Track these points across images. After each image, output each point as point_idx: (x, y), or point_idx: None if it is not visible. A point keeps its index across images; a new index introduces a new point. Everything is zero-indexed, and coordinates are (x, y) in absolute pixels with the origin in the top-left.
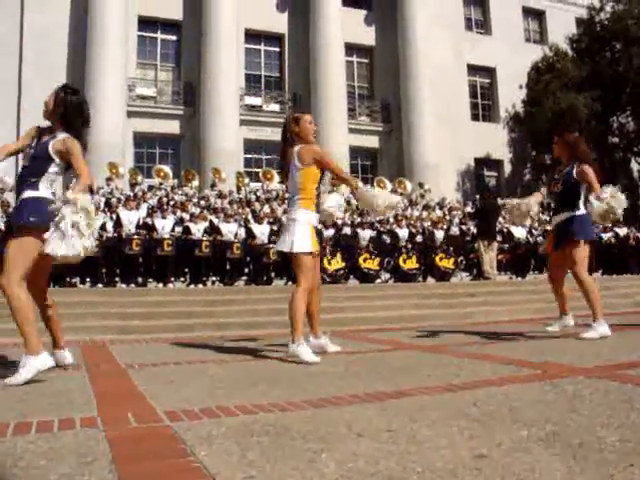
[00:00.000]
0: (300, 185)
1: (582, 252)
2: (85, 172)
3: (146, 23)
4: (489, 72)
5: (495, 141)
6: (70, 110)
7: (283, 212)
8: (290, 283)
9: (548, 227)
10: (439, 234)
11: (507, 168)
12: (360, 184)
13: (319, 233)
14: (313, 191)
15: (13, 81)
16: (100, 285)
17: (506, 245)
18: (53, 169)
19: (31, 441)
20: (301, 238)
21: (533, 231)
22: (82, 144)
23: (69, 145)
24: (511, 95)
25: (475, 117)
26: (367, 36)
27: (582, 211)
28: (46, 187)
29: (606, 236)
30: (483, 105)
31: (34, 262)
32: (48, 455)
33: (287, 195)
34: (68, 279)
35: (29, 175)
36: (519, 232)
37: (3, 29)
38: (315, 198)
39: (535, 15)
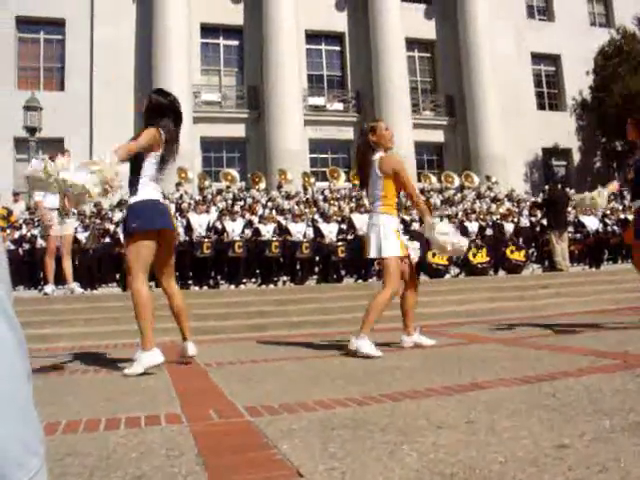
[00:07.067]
0: (382, 193)
1: None
2: (133, 143)
3: (208, 30)
4: (554, 60)
5: (563, 130)
6: (154, 108)
7: (350, 210)
8: (360, 280)
9: (622, 215)
10: (509, 227)
11: (576, 157)
12: (429, 219)
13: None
14: (394, 198)
15: (85, 94)
16: None
17: (578, 235)
18: (148, 163)
19: (122, 435)
20: (388, 242)
21: (607, 220)
22: (167, 133)
23: (146, 131)
24: (578, 82)
25: (541, 106)
26: (428, 30)
27: None
28: (146, 188)
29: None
30: (549, 94)
31: (154, 258)
32: (139, 449)
33: (362, 197)
34: None
35: (134, 177)
36: (591, 222)
37: (74, 45)
38: (396, 205)
39: None
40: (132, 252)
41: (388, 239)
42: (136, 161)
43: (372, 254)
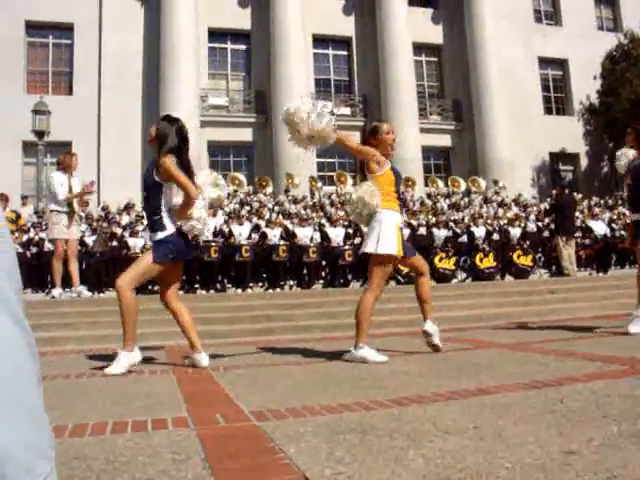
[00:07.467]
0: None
1: None
2: (185, 186)
3: (216, 34)
4: (561, 64)
5: (570, 134)
6: (167, 137)
7: None
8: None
9: (628, 220)
10: (516, 231)
11: (584, 161)
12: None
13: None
14: (389, 187)
15: (93, 99)
16: (181, 292)
17: (586, 240)
18: (166, 192)
19: (128, 439)
20: (386, 239)
21: (614, 225)
22: (183, 162)
23: (162, 163)
24: (585, 86)
25: (548, 111)
26: (435, 35)
27: None
28: (169, 220)
29: None
30: (556, 98)
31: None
32: (145, 452)
33: None
34: (150, 287)
35: (153, 207)
36: (599, 227)
37: (82, 50)
38: (396, 199)
39: (607, 2)
40: (148, 266)
41: (386, 235)
42: (155, 194)
43: (367, 249)
